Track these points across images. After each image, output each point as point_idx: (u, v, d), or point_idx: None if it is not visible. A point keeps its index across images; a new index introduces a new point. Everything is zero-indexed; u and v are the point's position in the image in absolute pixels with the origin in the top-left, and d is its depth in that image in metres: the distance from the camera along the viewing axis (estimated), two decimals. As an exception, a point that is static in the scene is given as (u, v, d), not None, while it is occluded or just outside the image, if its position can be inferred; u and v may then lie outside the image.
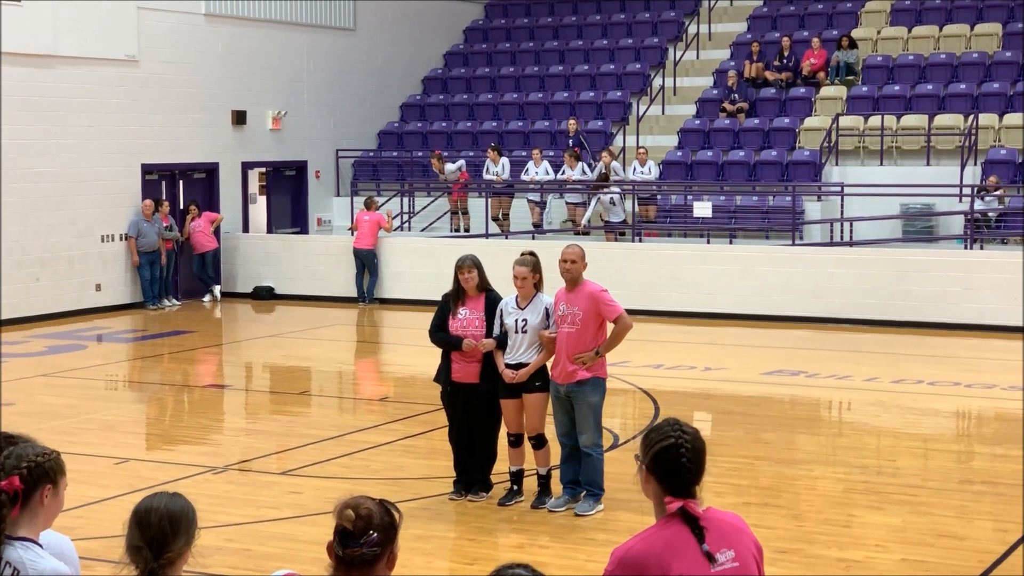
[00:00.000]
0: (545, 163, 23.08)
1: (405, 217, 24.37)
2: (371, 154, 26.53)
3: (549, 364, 9.61)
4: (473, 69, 28.27)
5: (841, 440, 12.56)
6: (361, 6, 26.54)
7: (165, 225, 21.99)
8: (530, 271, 9.55)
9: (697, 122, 24.37)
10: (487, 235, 22.32)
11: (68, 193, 20.77)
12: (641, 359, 15.68)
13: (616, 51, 27.35)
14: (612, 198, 21.56)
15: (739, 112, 24.09)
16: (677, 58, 26.52)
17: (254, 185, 25.14)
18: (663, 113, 25.61)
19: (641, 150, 22.71)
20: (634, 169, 22.56)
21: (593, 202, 21.93)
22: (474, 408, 9.76)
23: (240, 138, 23.99)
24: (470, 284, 9.71)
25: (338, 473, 10.75)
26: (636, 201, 21.79)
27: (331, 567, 3.65)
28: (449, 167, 23.66)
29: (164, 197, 22.55)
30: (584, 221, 22.03)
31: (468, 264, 9.73)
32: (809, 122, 23.56)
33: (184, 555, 3.90)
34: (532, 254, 9.73)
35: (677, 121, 24.89)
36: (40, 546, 4.09)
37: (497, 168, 23.18)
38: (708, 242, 21.37)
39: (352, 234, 22.42)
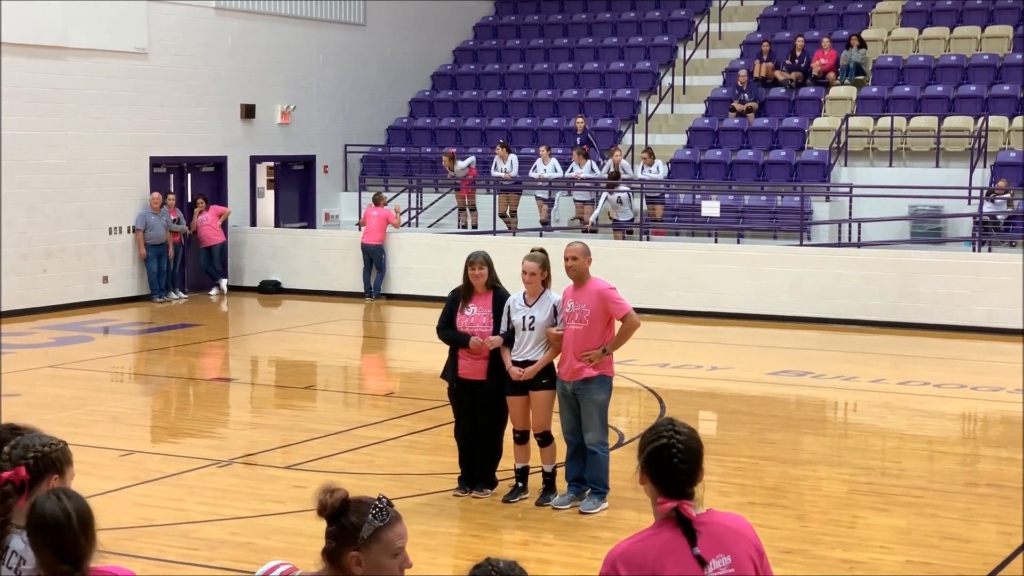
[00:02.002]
0: (553, 160, 23.07)
1: (413, 213, 24.37)
2: (379, 149, 26.53)
3: (556, 362, 9.61)
4: (482, 65, 28.26)
5: (846, 441, 12.54)
6: (371, 2, 26.53)
7: (173, 218, 22.00)
8: (539, 267, 9.55)
9: (706, 121, 24.35)
10: (495, 232, 22.32)
11: (76, 185, 20.79)
12: (647, 358, 15.67)
13: (626, 49, 27.33)
14: (620, 196, 21.53)
15: (748, 112, 24.06)
16: (687, 57, 26.49)
17: (262, 179, 25.15)
18: (672, 112, 25.59)
19: (645, 153, 22.63)
20: (641, 169, 22.52)
21: (601, 200, 21.91)
22: (480, 405, 9.76)
23: (249, 132, 23.99)
24: (479, 281, 9.71)
25: (343, 468, 10.74)
26: (644, 200, 21.78)
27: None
28: (459, 164, 23.66)
29: (172, 190, 22.56)
30: (592, 219, 22.01)
31: (480, 261, 9.73)
32: (818, 122, 23.53)
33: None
34: (542, 251, 9.73)
35: (686, 120, 24.86)
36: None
37: (505, 165, 23.18)
38: (716, 241, 21.36)
39: (360, 229, 22.43)
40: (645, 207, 21.86)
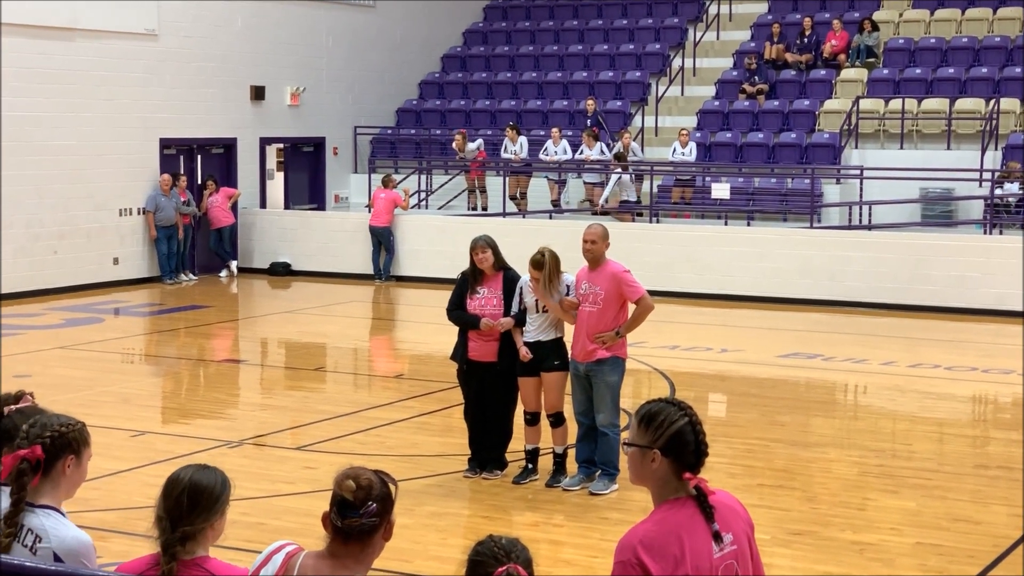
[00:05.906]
0: (563, 142, 23.04)
1: (422, 195, 24.35)
2: (389, 131, 26.50)
3: (569, 344, 9.61)
4: (492, 47, 28.20)
5: (857, 423, 12.54)
6: (381, -17, 26.50)
7: (183, 200, 22.02)
8: (543, 271, 9.45)
9: (716, 103, 24.29)
10: (504, 214, 22.30)
11: (86, 166, 20.80)
12: (657, 340, 15.66)
13: (636, 31, 27.26)
14: (625, 178, 21.46)
15: (759, 94, 23.99)
16: (697, 39, 26.41)
17: (272, 161, 25.15)
18: (682, 94, 25.53)
19: (684, 131, 22.57)
20: (674, 150, 22.46)
21: (611, 182, 21.90)
22: (490, 386, 9.76)
23: (258, 113, 23.98)
24: (486, 264, 9.70)
25: (353, 449, 10.76)
26: (675, 182, 21.95)
27: (328, 538, 3.62)
28: (468, 146, 23.63)
29: (182, 172, 22.57)
30: (601, 201, 21.99)
31: (482, 244, 9.71)
32: (829, 104, 23.46)
33: (205, 532, 3.83)
34: (542, 254, 9.53)
35: (696, 102, 24.80)
36: (63, 514, 4.11)
37: (515, 147, 23.14)
38: (726, 224, 21.31)
39: (369, 211, 22.42)
40: (674, 189, 22.01)
